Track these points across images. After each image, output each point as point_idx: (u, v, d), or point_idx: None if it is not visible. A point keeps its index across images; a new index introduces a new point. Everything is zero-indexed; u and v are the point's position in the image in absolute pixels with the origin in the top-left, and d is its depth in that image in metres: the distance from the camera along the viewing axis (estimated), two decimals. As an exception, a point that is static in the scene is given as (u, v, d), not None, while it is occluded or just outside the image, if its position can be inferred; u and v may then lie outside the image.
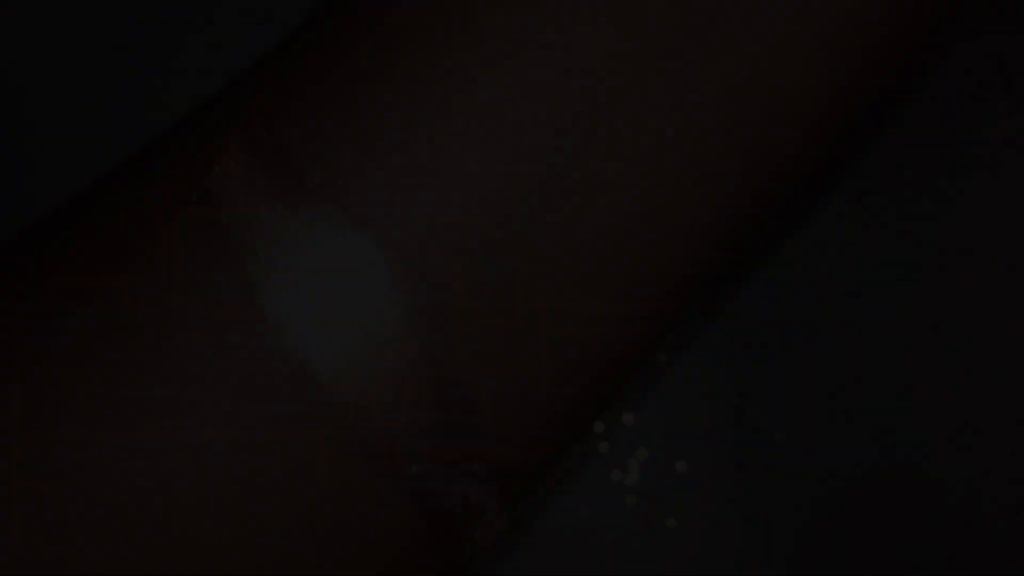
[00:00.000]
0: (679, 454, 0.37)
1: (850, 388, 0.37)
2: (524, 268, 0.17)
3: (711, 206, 0.18)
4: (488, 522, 0.19)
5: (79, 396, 0.17)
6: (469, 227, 0.17)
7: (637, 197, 0.17)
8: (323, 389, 0.17)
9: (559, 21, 0.17)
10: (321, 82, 0.18)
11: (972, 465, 0.37)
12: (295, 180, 0.17)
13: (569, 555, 0.36)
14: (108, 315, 0.17)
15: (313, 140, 0.17)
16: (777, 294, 0.37)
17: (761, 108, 0.17)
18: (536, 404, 0.18)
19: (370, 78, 0.17)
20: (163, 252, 0.17)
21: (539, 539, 0.37)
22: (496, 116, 0.17)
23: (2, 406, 0.17)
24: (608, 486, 0.37)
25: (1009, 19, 0.38)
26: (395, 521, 0.18)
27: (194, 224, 0.17)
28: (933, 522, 0.37)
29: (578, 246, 0.17)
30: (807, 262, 0.37)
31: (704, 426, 0.37)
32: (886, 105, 0.18)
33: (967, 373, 0.37)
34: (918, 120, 0.38)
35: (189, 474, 0.17)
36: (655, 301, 0.18)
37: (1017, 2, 0.37)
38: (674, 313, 0.19)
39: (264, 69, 0.19)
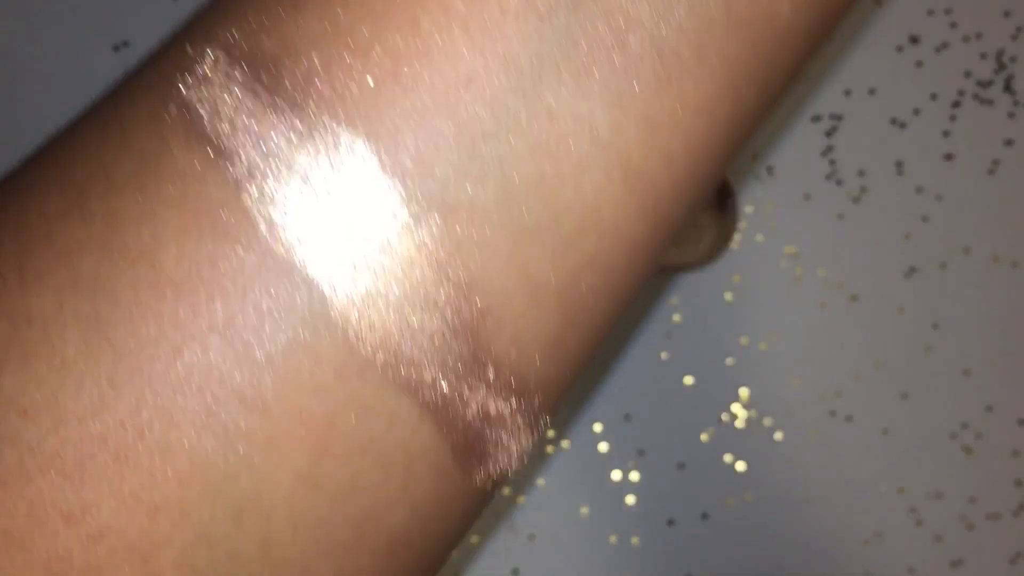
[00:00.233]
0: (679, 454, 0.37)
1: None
2: (525, 152, 0.17)
3: None
4: (509, 440, 0.18)
5: (68, 320, 0.16)
6: (460, 112, 0.16)
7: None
8: (325, 298, 0.16)
9: None
10: None
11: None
12: (276, 83, 0.16)
13: (569, 555, 0.36)
14: (94, 236, 0.17)
15: (291, 41, 0.17)
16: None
17: None
18: (547, 305, 0.17)
19: None
20: (146, 168, 0.17)
21: (539, 539, 0.36)
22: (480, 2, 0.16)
23: None
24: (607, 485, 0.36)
25: (1009, 19, 0.38)
26: (414, 438, 0.17)
27: (175, 137, 0.17)
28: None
29: (579, 130, 0.16)
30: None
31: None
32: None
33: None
34: (918, 120, 0.38)
35: (189, 396, 0.16)
36: (672, 175, 0.18)
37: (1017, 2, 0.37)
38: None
39: None
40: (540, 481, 0.37)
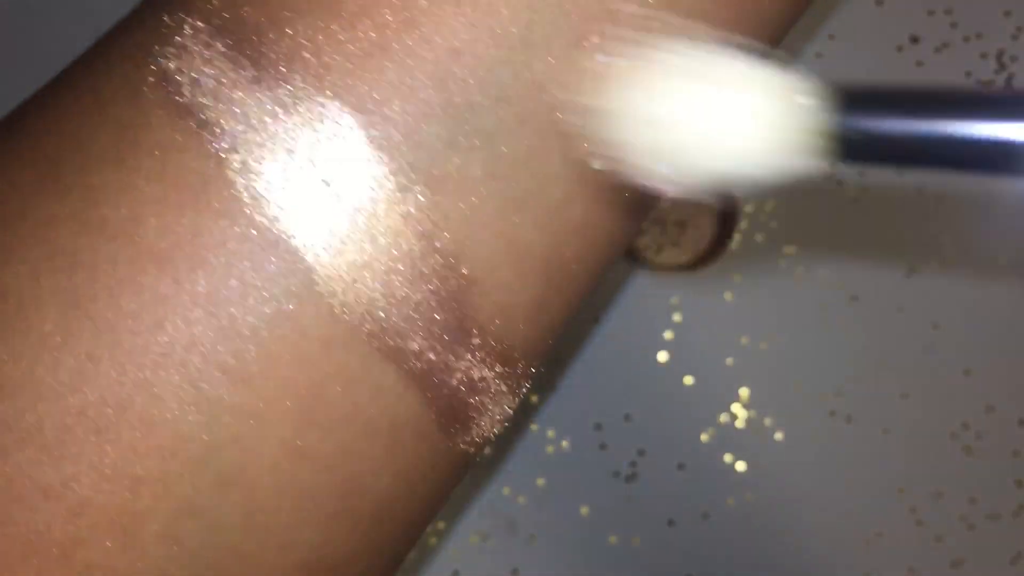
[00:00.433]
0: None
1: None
2: (513, 123, 0.16)
3: None
4: (493, 405, 0.18)
5: (45, 295, 0.16)
6: (449, 84, 0.16)
7: None
8: (310, 269, 0.16)
9: None
10: None
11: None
12: (259, 54, 0.16)
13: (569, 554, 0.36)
14: (70, 210, 0.16)
15: (275, 12, 0.16)
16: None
17: None
18: (532, 273, 0.17)
19: None
20: (124, 141, 0.16)
21: (539, 539, 0.36)
22: None
23: None
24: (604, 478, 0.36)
25: (1009, 19, 0.38)
26: (399, 406, 0.17)
27: (154, 108, 0.16)
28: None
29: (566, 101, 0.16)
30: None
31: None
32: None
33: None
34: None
35: (171, 370, 0.16)
36: None
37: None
38: None
39: None
40: (540, 481, 0.37)
